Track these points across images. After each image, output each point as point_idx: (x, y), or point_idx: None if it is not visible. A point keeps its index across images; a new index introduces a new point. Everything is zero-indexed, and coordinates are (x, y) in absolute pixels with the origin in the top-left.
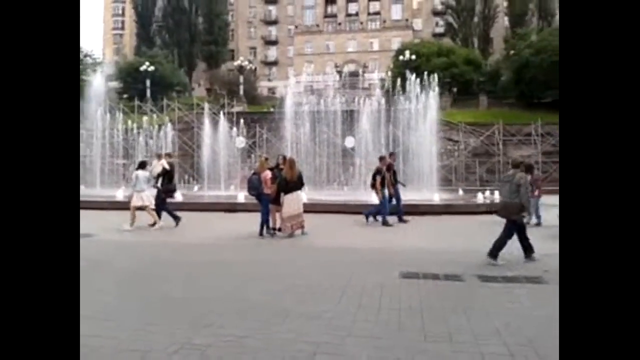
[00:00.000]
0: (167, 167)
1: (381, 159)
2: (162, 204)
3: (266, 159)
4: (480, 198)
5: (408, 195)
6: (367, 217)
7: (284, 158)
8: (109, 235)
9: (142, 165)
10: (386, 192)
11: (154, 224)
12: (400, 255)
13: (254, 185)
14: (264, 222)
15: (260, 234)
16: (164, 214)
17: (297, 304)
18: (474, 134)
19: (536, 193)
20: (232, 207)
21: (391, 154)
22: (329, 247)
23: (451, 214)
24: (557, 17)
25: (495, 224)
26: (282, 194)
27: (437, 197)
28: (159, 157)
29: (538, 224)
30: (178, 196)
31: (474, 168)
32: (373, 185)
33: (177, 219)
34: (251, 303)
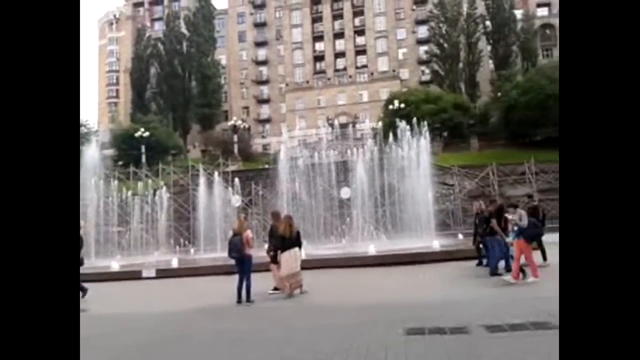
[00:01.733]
0: None
1: (491, 202)
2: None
3: (245, 217)
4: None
5: (406, 243)
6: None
7: (276, 215)
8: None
9: None
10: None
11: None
12: (403, 309)
13: (235, 247)
14: (247, 286)
15: (239, 300)
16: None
17: None
18: (468, 176)
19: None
20: (228, 270)
21: (491, 202)
22: (330, 306)
23: (452, 260)
24: (540, 57)
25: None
26: (279, 252)
27: (436, 243)
28: None
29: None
30: (174, 262)
31: (471, 211)
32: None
33: (83, 290)
34: None
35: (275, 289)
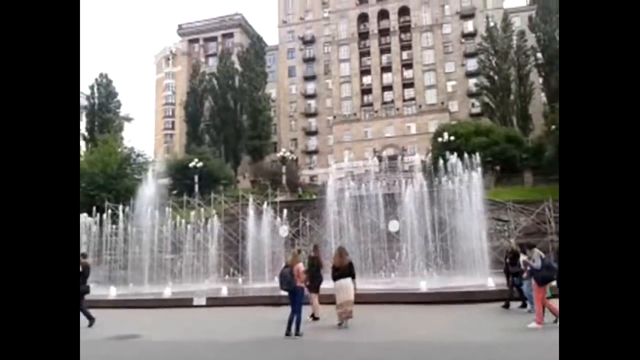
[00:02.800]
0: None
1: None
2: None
3: (299, 251)
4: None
5: (459, 281)
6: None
7: (316, 247)
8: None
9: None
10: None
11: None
12: (449, 349)
13: (286, 280)
14: (297, 320)
15: (288, 332)
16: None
17: None
18: (523, 212)
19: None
20: (276, 301)
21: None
22: (375, 343)
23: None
24: None
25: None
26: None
27: (490, 281)
28: (83, 256)
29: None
30: (223, 291)
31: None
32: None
33: (91, 319)
34: None
35: (313, 317)
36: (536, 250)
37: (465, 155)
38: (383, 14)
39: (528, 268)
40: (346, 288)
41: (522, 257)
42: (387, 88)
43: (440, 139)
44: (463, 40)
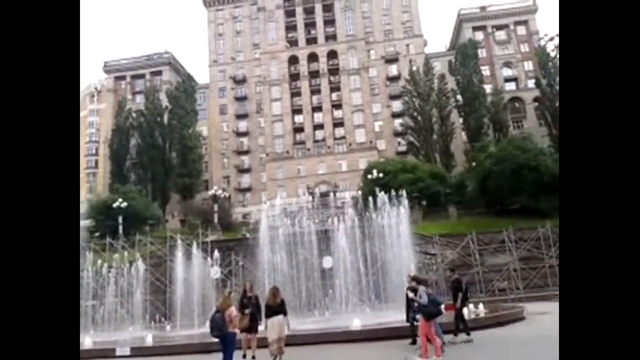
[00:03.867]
0: None
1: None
2: None
3: (230, 292)
4: (465, 312)
5: (391, 316)
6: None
7: (251, 286)
8: None
9: None
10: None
11: None
12: None
13: (217, 325)
14: None
15: None
16: None
17: None
18: (449, 245)
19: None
20: (206, 348)
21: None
22: None
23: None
24: (511, 128)
25: (486, 339)
26: (265, 319)
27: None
28: None
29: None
30: (148, 339)
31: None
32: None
33: None
34: None
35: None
36: (421, 287)
37: (393, 191)
38: (313, 57)
39: (416, 304)
40: (278, 325)
41: (410, 294)
42: (319, 127)
43: (369, 176)
44: (388, 83)
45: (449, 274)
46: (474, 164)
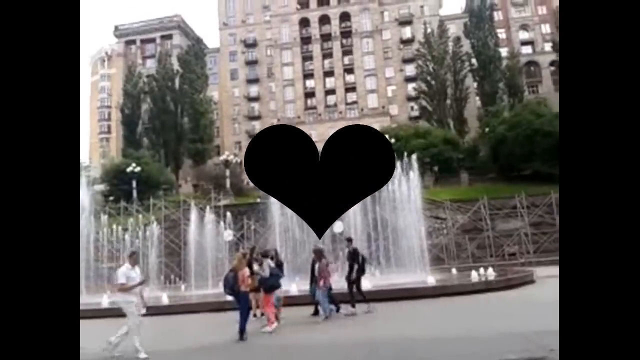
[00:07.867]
0: None
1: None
2: None
3: (244, 254)
4: (474, 276)
5: (401, 279)
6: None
7: (251, 250)
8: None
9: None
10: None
11: None
12: (417, 348)
13: (228, 284)
14: (241, 325)
15: (241, 337)
16: None
17: None
18: (460, 210)
19: (321, 283)
20: (220, 307)
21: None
22: (324, 344)
23: (447, 295)
24: (526, 93)
25: (494, 301)
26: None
27: (431, 278)
28: None
29: (326, 317)
30: (164, 298)
31: (465, 245)
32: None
33: None
34: None
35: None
36: (266, 260)
37: (405, 156)
38: (324, 19)
39: (258, 277)
40: None
41: (255, 267)
42: (330, 92)
43: None
44: (402, 46)
45: (345, 244)
46: (487, 129)
